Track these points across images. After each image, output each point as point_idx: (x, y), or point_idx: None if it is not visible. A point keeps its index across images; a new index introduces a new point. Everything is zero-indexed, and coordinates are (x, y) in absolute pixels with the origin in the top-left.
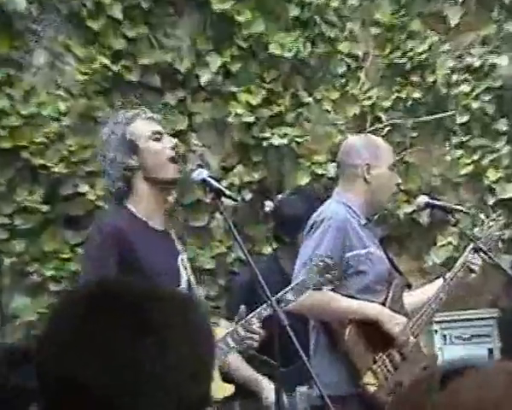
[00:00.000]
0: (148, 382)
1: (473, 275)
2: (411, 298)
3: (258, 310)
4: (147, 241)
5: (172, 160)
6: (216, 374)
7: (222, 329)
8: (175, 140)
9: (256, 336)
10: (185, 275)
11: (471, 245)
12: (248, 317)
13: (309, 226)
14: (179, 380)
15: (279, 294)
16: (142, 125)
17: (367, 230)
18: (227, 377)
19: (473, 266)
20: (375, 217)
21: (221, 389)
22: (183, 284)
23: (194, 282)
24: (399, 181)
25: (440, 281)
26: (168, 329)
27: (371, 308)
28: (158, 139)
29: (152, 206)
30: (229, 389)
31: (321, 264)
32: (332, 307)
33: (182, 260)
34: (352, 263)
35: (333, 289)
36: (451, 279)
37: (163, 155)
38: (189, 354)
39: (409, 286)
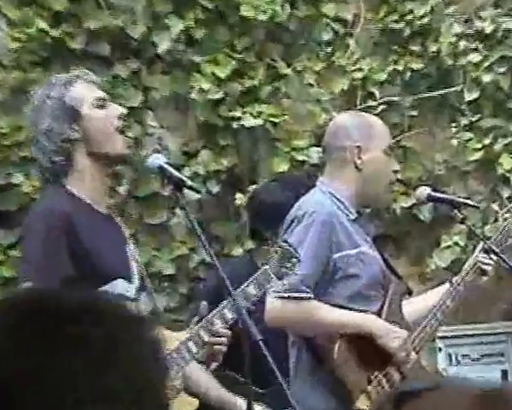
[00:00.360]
0: (83, 401)
1: (485, 278)
2: (412, 306)
3: (219, 308)
4: (93, 227)
5: (120, 130)
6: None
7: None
8: (122, 109)
9: (224, 340)
10: (136, 269)
11: (482, 243)
12: (209, 316)
13: (288, 223)
14: (120, 401)
15: (240, 288)
16: (84, 89)
17: (357, 226)
18: (193, 393)
19: (485, 267)
20: (367, 211)
21: (182, 405)
22: (136, 281)
23: (148, 281)
24: (397, 168)
25: (446, 286)
26: (108, 346)
27: (364, 319)
28: (102, 106)
29: (96, 185)
30: (191, 404)
31: (280, 250)
32: (317, 319)
33: (130, 249)
34: (341, 265)
35: (317, 298)
36: (459, 284)
37: (109, 125)
38: (132, 373)
39: (409, 293)
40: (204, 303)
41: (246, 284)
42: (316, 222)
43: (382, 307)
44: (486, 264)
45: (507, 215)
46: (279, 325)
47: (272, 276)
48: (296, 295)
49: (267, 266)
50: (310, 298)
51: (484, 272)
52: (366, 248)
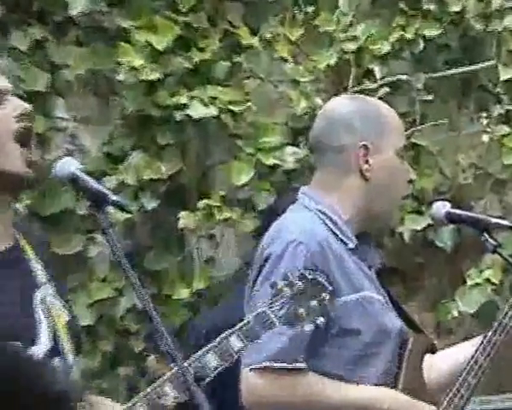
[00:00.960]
0: None
1: None
2: (438, 368)
3: (172, 372)
4: None
5: (20, 138)
6: None
7: None
8: (26, 105)
9: None
10: (46, 324)
11: None
12: (156, 384)
13: (262, 259)
14: None
15: (217, 339)
16: None
17: (356, 257)
18: None
19: None
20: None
21: None
22: (44, 341)
23: (65, 339)
24: (413, 176)
25: (479, 339)
26: None
27: (382, 394)
28: None
29: None
30: None
31: (298, 283)
32: (318, 400)
33: (42, 298)
34: (338, 314)
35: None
36: (502, 333)
37: (6, 130)
38: None
39: (432, 350)
40: (151, 358)
41: (229, 332)
42: (304, 255)
43: (399, 370)
44: None
45: None
46: (260, 408)
47: (277, 324)
48: (286, 366)
49: (264, 309)
50: (305, 369)
51: None
52: (370, 292)
